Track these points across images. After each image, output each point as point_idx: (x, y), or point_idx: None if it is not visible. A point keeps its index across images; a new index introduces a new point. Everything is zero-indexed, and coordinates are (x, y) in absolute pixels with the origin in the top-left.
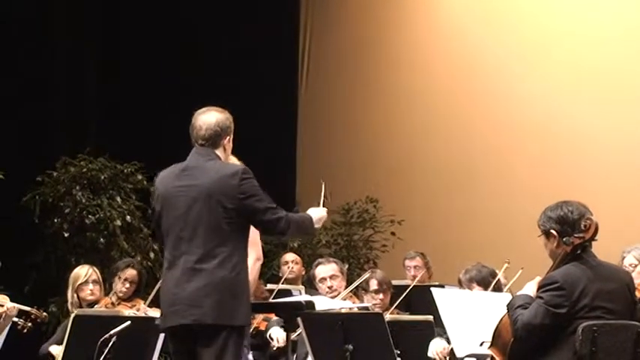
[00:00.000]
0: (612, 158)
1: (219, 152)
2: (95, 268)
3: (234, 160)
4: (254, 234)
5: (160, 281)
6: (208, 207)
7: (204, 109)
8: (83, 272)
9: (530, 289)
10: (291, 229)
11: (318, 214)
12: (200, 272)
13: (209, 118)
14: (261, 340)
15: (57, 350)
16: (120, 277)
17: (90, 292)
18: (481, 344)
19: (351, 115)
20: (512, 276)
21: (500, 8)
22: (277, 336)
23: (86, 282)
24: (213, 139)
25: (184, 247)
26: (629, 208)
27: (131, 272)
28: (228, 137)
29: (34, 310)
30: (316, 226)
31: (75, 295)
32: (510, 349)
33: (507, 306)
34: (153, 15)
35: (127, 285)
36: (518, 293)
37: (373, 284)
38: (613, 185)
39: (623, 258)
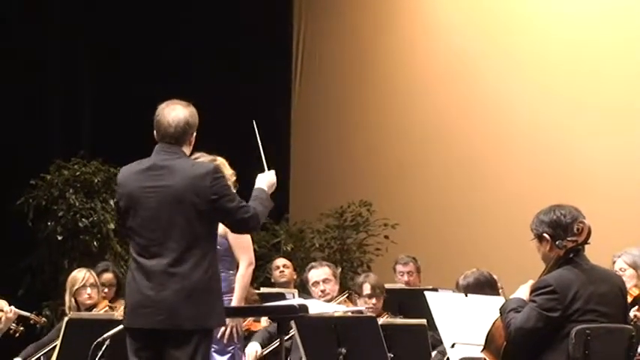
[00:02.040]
0: (603, 166)
1: (184, 148)
2: (92, 272)
3: (204, 157)
4: (246, 238)
5: (128, 280)
6: (180, 209)
7: (168, 103)
8: (80, 276)
9: (523, 292)
10: (260, 221)
11: (268, 182)
12: (174, 276)
13: (177, 114)
14: None
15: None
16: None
17: (88, 296)
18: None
19: (344, 119)
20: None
21: (496, 16)
22: (249, 352)
23: (84, 286)
24: (182, 137)
25: (155, 249)
26: (620, 214)
27: (107, 276)
28: (194, 133)
29: (33, 316)
30: (270, 192)
31: (72, 299)
32: (503, 352)
33: (500, 309)
34: (149, 19)
35: (106, 289)
36: (511, 297)
37: (366, 288)
38: (604, 192)
39: (614, 262)
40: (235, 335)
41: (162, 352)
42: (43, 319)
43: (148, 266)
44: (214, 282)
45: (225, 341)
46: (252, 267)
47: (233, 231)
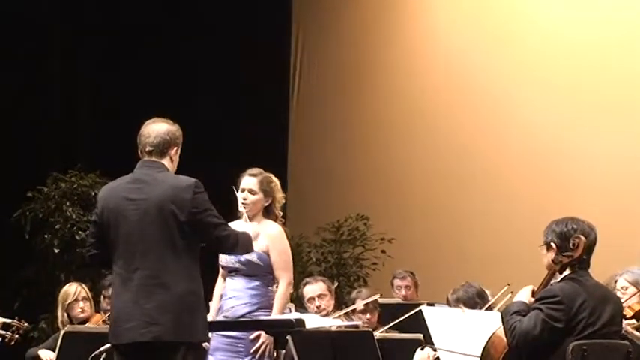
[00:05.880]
0: (609, 174)
1: (166, 162)
2: (84, 285)
3: (263, 175)
4: (288, 258)
5: (112, 296)
6: (162, 221)
7: (153, 119)
8: (72, 290)
9: (525, 295)
10: (238, 246)
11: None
12: (157, 288)
13: (159, 127)
14: None
15: (46, 355)
16: (104, 296)
17: (80, 309)
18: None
19: (341, 133)
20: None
21: (497, 18)
22: None
23: (76, 300)
24: (162, 148)
25: (138, 262)
26: (627, 225)
27: None
28: (176, 148)
29: (15, 322)
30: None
31: (65, 314)
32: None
33: (502, 312)
34: (147, 31)
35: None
36: (514, 300)
37: (359, 304)
38: (609, 202)
39: (616, 281)
40: (267, 351)
41: None
42: (26, 323)
43: (130, 280)
44: (197, 296)
45: (257, 356)
46: (291, 286)
47: (209, 248)
